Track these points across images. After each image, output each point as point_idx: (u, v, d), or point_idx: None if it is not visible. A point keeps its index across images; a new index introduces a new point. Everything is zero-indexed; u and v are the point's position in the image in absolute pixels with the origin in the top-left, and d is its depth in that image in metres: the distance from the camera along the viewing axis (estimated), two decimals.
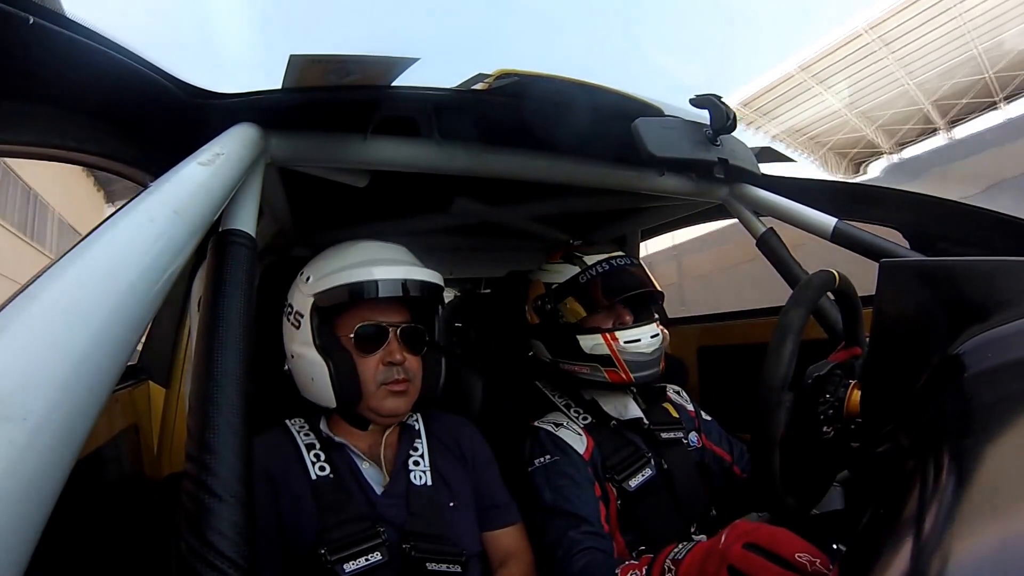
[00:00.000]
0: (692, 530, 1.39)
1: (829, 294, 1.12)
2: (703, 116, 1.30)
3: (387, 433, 1.25)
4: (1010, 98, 16.37)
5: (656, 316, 1.49)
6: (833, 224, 1.44)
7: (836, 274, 1.05)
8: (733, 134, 1.33)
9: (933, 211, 1.47)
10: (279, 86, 0.98)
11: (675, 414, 1.54)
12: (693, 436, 1.53)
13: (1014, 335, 0.62)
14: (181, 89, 0.93)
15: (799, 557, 0.85)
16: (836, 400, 0.99)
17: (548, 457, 1.36)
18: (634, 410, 1.48)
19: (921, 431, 0.63)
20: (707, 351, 2.27)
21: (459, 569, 1.12)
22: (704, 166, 1.29)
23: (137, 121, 0.99)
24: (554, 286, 1.50)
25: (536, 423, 1.46)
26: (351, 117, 1.14)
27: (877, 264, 0.79)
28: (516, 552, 1.26)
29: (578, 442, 1.39)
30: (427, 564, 1.09)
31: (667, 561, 1.01)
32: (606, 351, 1.40)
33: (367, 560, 1.06)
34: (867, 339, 1.14)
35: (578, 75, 1.11)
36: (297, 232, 1.74)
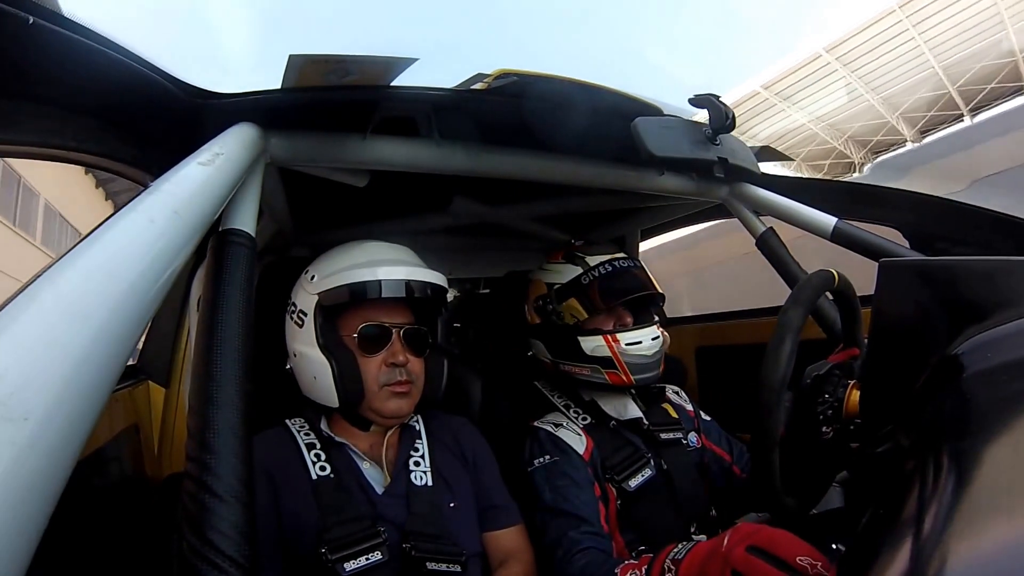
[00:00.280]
0: (692, 530, 1.39)
1: (828, 294, 1.12)
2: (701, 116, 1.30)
3: (388, 434, 1.25)
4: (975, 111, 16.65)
5: (656, 318, 1.49)
6: (833, 224, 1.44)
7: (835, 274, 1.05)
8: (732, 133, 1.33)
9: (933, 211, 1.48)
10: (278, 86, 0.98)
11: (674, 414, 1.54)
12: (692, 436, 1.53)
13: (1013, 335, 0.62)
14: (181, 89, 0.93)
15: (800, 560, 0.86)
16: (835, 400, 0.99)
17: (548, 457, 1.36)
18: (633, 410, 1.48)
19: (920, 431, 0.63)
20: (706, 351, 2.27)
21: (459, 569, 1.12)
22: (704, 165, 1.29)
23: (137, 121, 0.99)
24: (556, 286, 1.49)
25: (536, 423, 1.46)
26: (350, 117, 1.14)
27: (875, 263, 0.80)
28: (516, 552, 1.26)
29: (578, 442, 1.39)
30: (427, 564, 1.09)
31: (667, 561, 1.01)
32: (607, 353, 1.40)
33: (367, 559, 1.06)
34: (866, 340, 1.14)
35: (577, 75, 1.11)
36: (297, 232, 1.74)
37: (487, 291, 2.35)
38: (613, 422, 1.45)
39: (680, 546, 1.03)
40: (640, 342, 1.41)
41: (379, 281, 1.17)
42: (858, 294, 1.13)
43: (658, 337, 1.44)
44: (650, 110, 1.23)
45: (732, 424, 1.66)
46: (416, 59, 0.95)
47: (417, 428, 1.30)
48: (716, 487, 1.53)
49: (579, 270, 1.47)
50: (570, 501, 1.28)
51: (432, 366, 1.29)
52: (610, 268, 1.46)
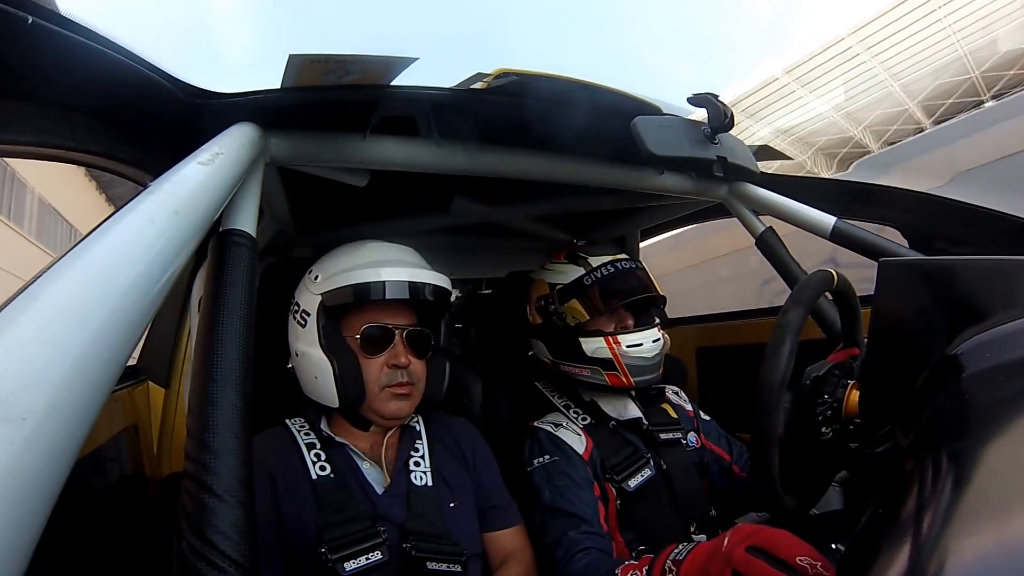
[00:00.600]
0: (692, 530, 1.39)
1: (827, 294, 1.12)
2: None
3: (388, 434, 1.26)
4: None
5: (657, 320, 1.49)
6: (832, 223, 1.44)
7: (835, 274, 1.05)
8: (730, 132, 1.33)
9: (932, 210, 1.48)
10: (278, 86, 0.98)
11: (674, 415, 1.54)
12: (692, 436, 1.53)
13: (1013, 335, 0.62)
14: (180, 89, 0.93)
15: (800, 560, 0.86)
16: (835, 401, 1.00)
17: (547, 457, 1.36)
18: (633, 410, 1.48)
19: (919, 431, 0.63)
20: (706, 351, 2.27)
21: (459, 569, 1.12)
22: (703, 164, 1.29)
23: (136, 121, 0.99)
24: (558, 287, 1.49)
25: (536, 423, 1.46)
26: (350, 117, 1.14)
27: (875, 263, 0.80)
28: (516, 553, 1.26)
29: (577, 442, 1.39)
30: (427, 563, 1.10)
31: (668, 562, 1.01)
32: (608, 355, 1.40)
33: (367, 559, 1.06)
34: (865, 340, 1.14)
35: (576, 74, 1.11)
36: (298, 232, 1.74)
37: (489, 291, 2.35)
38: (613, 422, 1.45)
39: (681, 546, 1.03)
40: (641, 344, 1.41)
41: (383, 282, 1.17)
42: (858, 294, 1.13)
43: (659, 339, 1.44)
44: (649, 109, 1.23)
45: (732, 424, 1.66)
46: (416, 59, 0.95)
47: (417, 428, 1.30)
48: (716, 486, 1.53)
49: (581, 271, 1.47)
50: (570, 501, 1.28)
51: (434, 368, 1.29)
52: (612, 269, 1.46)
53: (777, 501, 0.97)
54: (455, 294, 2.47)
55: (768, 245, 1.61)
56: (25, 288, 0.45)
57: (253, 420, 0.70)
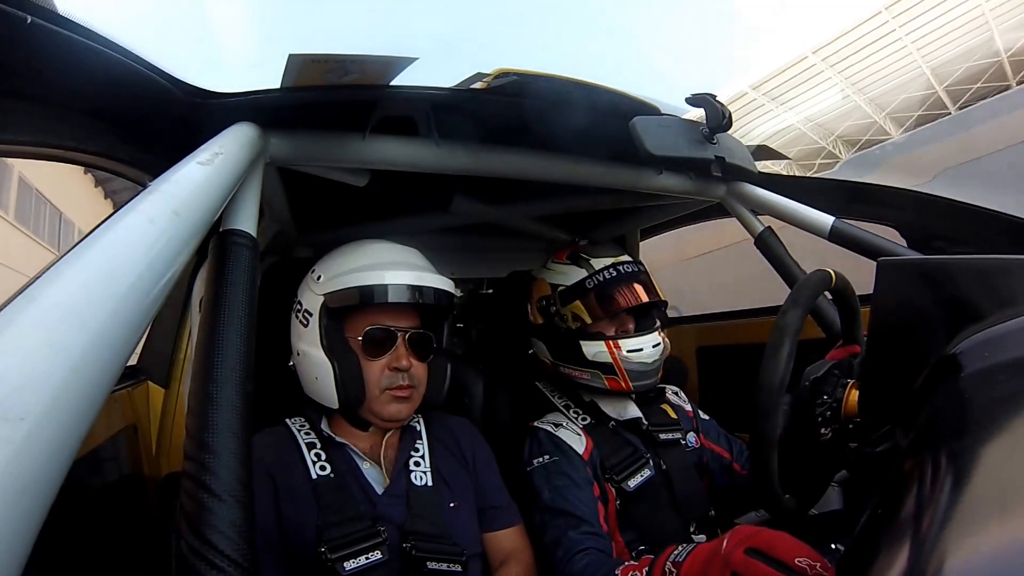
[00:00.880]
0: (691, 530, 1.39)
1: (826, 293, 1.12)
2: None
3: (388, 434, 1.25)
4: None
5: (658, 324, 1.49)
6: (831, 223, 1.44)
7: (833, 273, 1.05)
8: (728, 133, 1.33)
9: (931, 210, 1.48)
10: (278, 85, 0.98)
11: (673, 415, 1.54)
12: (691, 436, 1.53)
13: (1011, 334, 0.62)
14: (180, 89, 0.93)
15: (799, 562, 0.86)
16: (834, 401, 0.99)
17: (547, 457, 1.36)
18: (633, 411, 1.48)
19: (919, 430, 0.63)
20: (706, 351, 2.27)
21: (459, 568, 1.12)
22: (702, 164, 1.29)
23: (136, 121, 0.99)
24: (560, 288, 1.48)
25: (536, 423, 1.46)
26: (350, 116, 1.14)
27: (873, 263, 0.80)
28: (515, 553, 1.26)
29: (577, 442, 1.39)
30: (427, 563, 1.10)
31: (667, 563, 1.01)
32: (608, 359, 1.40)
33: (367, 559, 1.06)
34: (865, 337, 1.14)
35: (575, 74, 1.11)
36: (298, 232, 1.74)
37: (490, 291, 2.35)
38: (612, 422, 1.45)
39: (680, 548, 1.03)
40: (641, 349, 1.40)
41: (386, 286, 1.17)
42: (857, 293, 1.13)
43: (659, 344, 1.44)
44: (648, 109, 1.23)
45: (733, 424, 1.66)
46: (416, 58, 0.95)
47: (417, 428, 1.30)
48: (717, 485, 1.53)
49: (584, 273, 1.46)
50: (569, 501, 1.28)
51: (435, 370, 1.29)
52: (614, 273, 1.44)
53: (776, 502, 0.97)
54: (456, 294, 2.47)
55: (767, 245, 1.61)
56: (25, 288, 0.45)
57: (253, 420, 0.70)
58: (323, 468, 1.16)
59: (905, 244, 1.51)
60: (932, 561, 0.40)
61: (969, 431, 0.54)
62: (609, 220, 2.15)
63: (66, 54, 0.74)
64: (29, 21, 0.66)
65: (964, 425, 0.55)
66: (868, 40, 14.54)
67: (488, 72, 1.10)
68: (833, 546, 1.11)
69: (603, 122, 1.21)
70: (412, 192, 1.51)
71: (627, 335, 1.42)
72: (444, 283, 1.23)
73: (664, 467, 1.41)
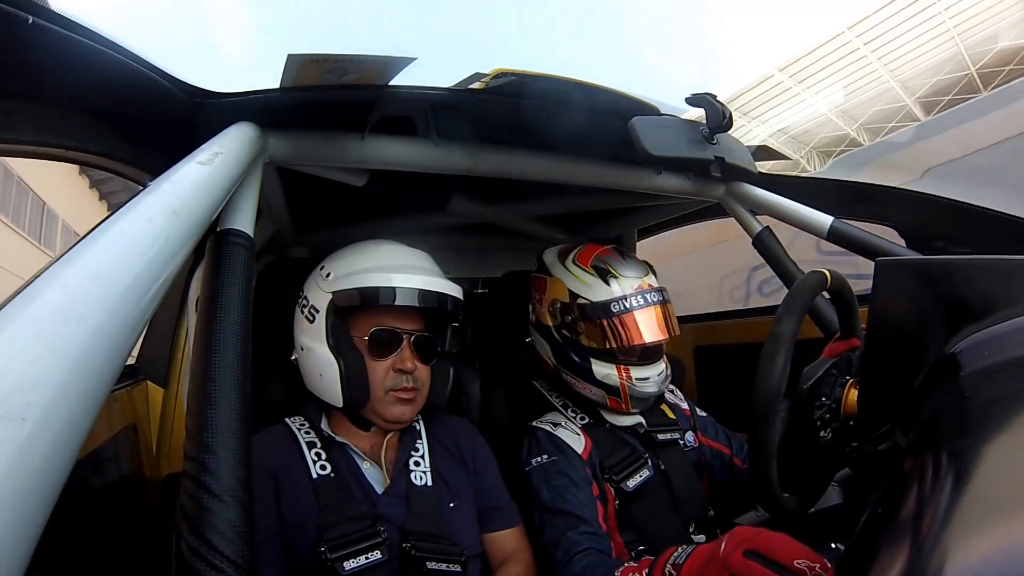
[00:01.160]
0: (691, 530, 1.39)
1: (824, 293, 1.12)
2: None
3: (389, 435, 1.26)
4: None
5: (664, 351, 1.48)
6: (830, 223, 1.45)
7: (827, 274, 1.05)
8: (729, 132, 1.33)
9: (930, 209, 1.48)
10: (277, 85, 0.98)
11: (671, 415, 1.54)
12: (689, 436, 1.53)
13: (1011, 333, 0.62)
14: (179, 89, 0.93)
15: (798, 564, 0.86)
16: (833, 401, 0.99)
17: (546, 456, 1.36)
18: (632, 417, 1.47)
19: (918, 430, 0.63)
20: (704, 351, 2.27)
21: (459, 569, 1.12)
22: (701, 165, 1.29)
23: (136, 120, 0.99)
24: (580, 300, 1.41)
25: (534, 423, 1.46)
26: (349, 116, 1.14)
27: (872, 262, 0.80)
28: (516, 553, 1.26)
29: (576, 442, 1.39)
30: (427, 563, 1.10)
31: (668, 565, 1.01)
32: (616, 383, 1.39)
33: (367, 559, 1.06)
34: (864, 331, 1.14)
35: (575, 74, 1.12)
36: (295, 231, 1.74)
37: (485, 291, 2.35)
38: (609, 424, 1.45)
39: (680, 549, 1.03)
40: (648, 378, 1.40)
41: (395, 288, 1.17)
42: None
43: (662, 372, 1.43)
44: (647, 109, 1.23)
45: (731, 423, 1.66)
46: (414, 58, 0.95)
47: (417, 428, 1.31)
48: (718, 481, 1.53)
49: (611, 294, 1.38)
50: (568, 501, 1.28)
51: (438, 374, 1.30)
52: (642, 301, 1.38)
53: (776, 502, 0.97)
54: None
55: (765, 245, 1.62)
56: (24, 288, 0.45)
57: (251, 420, 0.70)
58: (323, 467, 1.16)
59: (904, 244, 1.51)
60: (932, 561, 0.40)
61: (969, 430, 0.54)
62: (606, 220, 2.15)
63: (67, 54, 0.74)
64: (31, 21, 0.66)
65: (964, 424, 0.55)
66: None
67: (486, 72, 1.10)
68: (833, 545, 1.11)
69: (602, 122, 1.21)
70: (410, 192, 1.51)
71: (636, 363, 1.41)
72: (452, 288, 1.23)
73: (663, 467, 1.41)
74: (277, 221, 1.58)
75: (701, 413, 1.64)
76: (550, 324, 1.49)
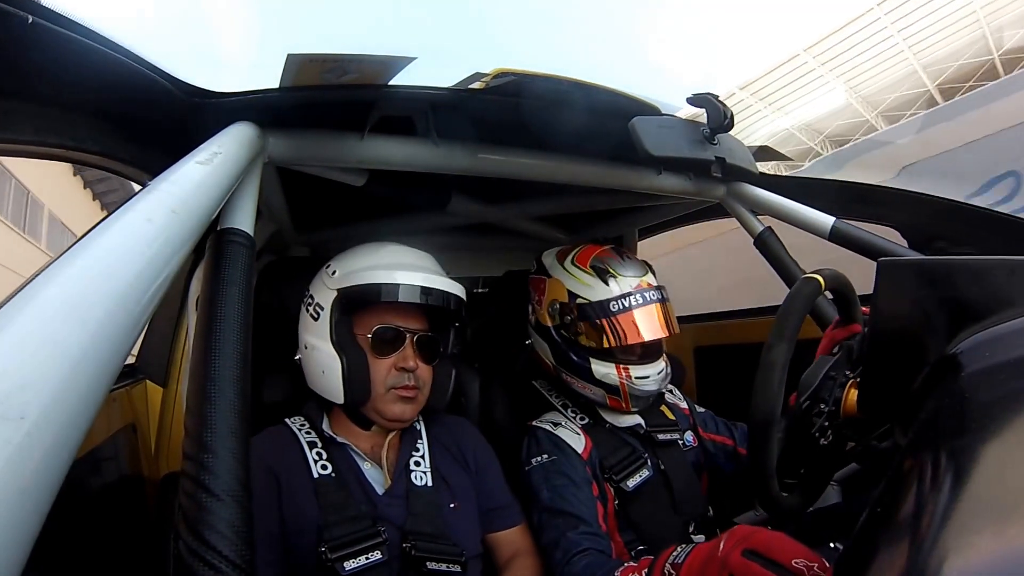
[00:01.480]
0: (690, 530, 1.39)
1: (827, 293, 1.11)
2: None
3: (389, 435, 1.26)
4: None
5: (664, 350, 1.48)
6: (831, 223, 1.44)
7: (820, 280, 1.04)
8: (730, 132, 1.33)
9: (932, 210, 1.48)
10: (277, 85, 0.98)
11: (671, 416, 1.54)
12: (688, 436, 1.53)
13: (1012, 334, 0.62)
14: (179, 88, 0.93)
15: (796, 563, 0.86)
16: (832, 404, 0.99)
17: (546, 456, 1.36)
18: (630, 418, 1.47)
19: (919, 430, 0.63)
20: (704, 351, 2.27)
21: (459, 569, 1.12)
22: (701, 165, 1.29)
23: (135, 120, 0.99)
24: (580, 300, 1.41)
25: (534, 423, 1.46)
26: (348, 116, 1.14)
27: (875, 263, 0.79)
28: (520, 552, 1.27)
29: (576, 441, 1.39)
30: (427, 563, 1.10)
31: (667, 565, 1.01)
32: (616, 382, 1.39)
33: (367, 559, 1.06)
34: (865, 316, 1.13)
35: (576, 74, 1.11)
36: (295, 231, 1.74)
37: (485, 290, 2.35)
38: (609, 424, 1.45)
39: (679, 549, 1.03)
40: (647, 376, 1.40)
41: (397, 285, 1.18)
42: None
43: (662, 370, 1.43)
44: (648, 109, 1.23)
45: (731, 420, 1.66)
46: (414, 58, 0.95)
47: (418, 428, 1.31)
48: (725, 472, 1.54)
49: (610, 293, 1.39)
50: (568, 501, 1.28)
51: (440, 374, 1.30)
52: (641, 300, 1.38)
53: (776, 502, 0.97)
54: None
55: (766, 245, 1.61)
56: (23, 287, 0.44)
57: (251, 419, 0.70)
58: (324, 467, 1.16)
59: (906, 244, 1.51)
60: (931, 561, 0.40)
61: (969, 430, 0.53)
62: (607, 220, 2.15)
63: (67, 54, 0.74)
64: (31, 21, 0.66)
65: (964, 424, 0.55)
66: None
67: (487, 72, 1.10)
68: (832, 545, 1.11)
69: (602, 122, 1.21)
70: (410, 192, 1.50)
71: (636, 362, 1.41)
72: (455, 287, 1.23)
73: (662, 467, 1.41)
74: (277, 221, 1.59)
75: (700, 409, 1.64)
76: (549, 325, 1.49)
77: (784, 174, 1.72)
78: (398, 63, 0.96)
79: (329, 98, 1.06)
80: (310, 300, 1.26)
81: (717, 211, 1.84)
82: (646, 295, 1.39)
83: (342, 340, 1.19)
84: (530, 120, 1.19)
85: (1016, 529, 0.39)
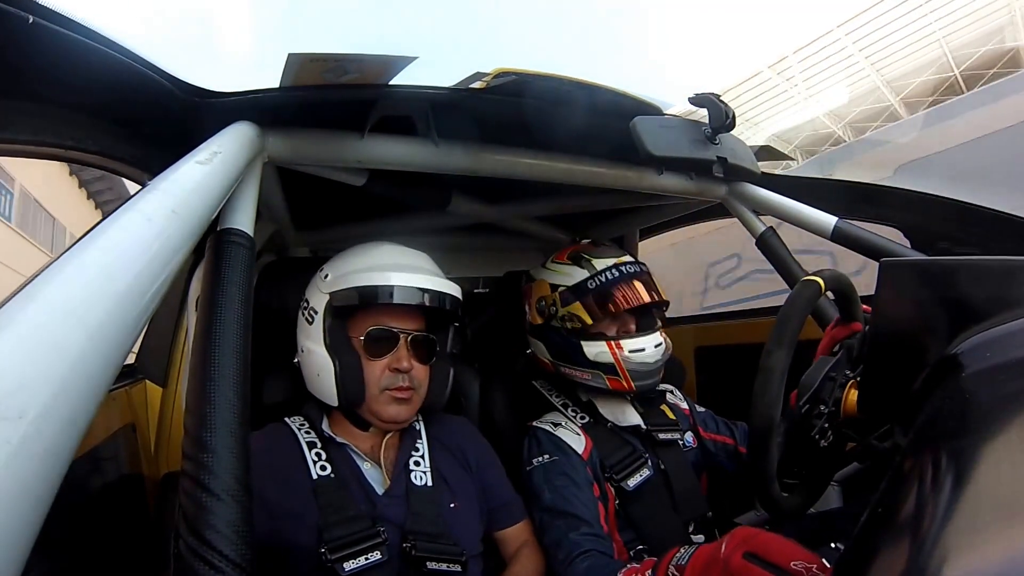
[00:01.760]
0: (690, 530, 1.39)
1: (828, 293, 1.11)
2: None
3: (388, 435, 1.26)
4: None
5: (660, 324, 1.48)
6: (833, 223, 1.44)
7: (820, 282, 1.04)
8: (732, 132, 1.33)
9: (934, 210, 1.47)
10: (277, 85, 0.98)
11: (671, 416, 1.54)
12: (688, 436, 1.53)
13: (1013, 334, 0.62)
14: (179, 88, 0.93)
15: (794, 565, 0.86)
16: (832, 405, 0.99)
17: (547, 456, 1.36)
18: (632, 416, 1.48)
19: (919, 430, 0.63)
20: (704, 351, 2.27)
21: (459, 568, 1.12)
22: (703, 165, 1.29)
23: (135, 120, 0.98)
24: (560, 288, 1.47)
25: (534, 423, 1.46)
26: (349, 116, 1.14)
27: (877, 263, 0.79)
28: (526, 545, 1.29)
29: (576, 441, 1.39)
30: (427, 563, 1.10)
31: (671, 567, 1.01)
32: (610, 359, 1.39)
33: (367, 559, 1.06)
34: (866, 315, 1.13)
35: (577, 73, 1.11)
36: (295, 231, 1.74)
37: (486, 290, 2.35)
38: (610, 424, 1.45)
39: (683, 551, 1.03)
40: (643, 349, 1.40)
41: (391, 287, 1.18)
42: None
43: (661, 344, 1.43)
44: (649, 109, 1.23)
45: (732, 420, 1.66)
46: (415, 57, 0.95)
47: (417, 428, 1.31)
48: (727, 472, 1.54)
49: (585, 273, 1.45)
50: (570, 502, 1.28)
51: (437, 374, 1.29)
52: (616, 273, 1.43)
53: (776, 503, 0.97)
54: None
55: (768, 245, 1.61)
56: (23, 287, 0.44)
57: (250, 419, 0.70)
58: (324, 468, 1.16)
59: (908, 245, 1.51)
60: (932, 562, 0.40)
61: (970, 431, 0.53)
62: (608, 220, 2.15)
63: (67, 53, 0.74)
64: (31, 21, 0.66)
65: (964, 425, 0.55)
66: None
67: (488, 72, 1.10)
68: (833, 545, 1.11)
69: (603, 122, 1.21)
70: (410, 192, 1.50)
71: (629, 335, 1.42)
72: (450, 287, 1.23)
73: (663, 467, 1.41)
74: (277, 220, 1.58)
75: (700, 409, 1.64)
76: (540, 322, 1.52)
77: (786, 174, 1.71)
78: (399, 63, 0.96)
79: (329, 98, 1.06)
80: (305, 304, 1.26)
81: (718, 211, 1.84)
82: (622, 268, 1.44)
83: (336, 343, 1.20)
84: (531, 120, 1.19)
85: (1017, 530, 0.39)
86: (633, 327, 1.45)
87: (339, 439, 1.21)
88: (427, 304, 1.20)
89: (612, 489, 1.36)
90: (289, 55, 0.91)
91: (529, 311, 1.58)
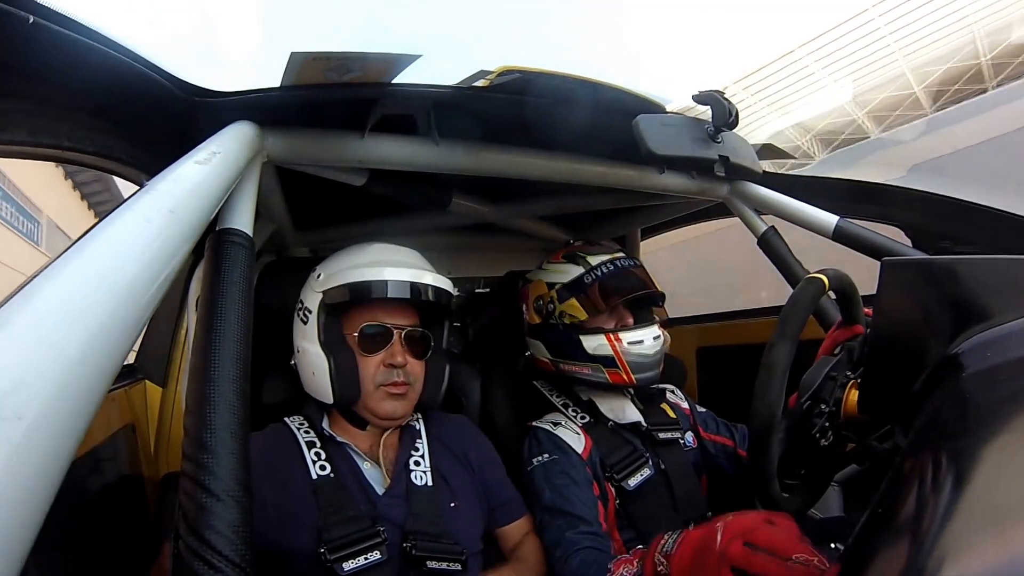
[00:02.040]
0: (690, 530, 1.38)
1: (830, 293, 1.11)
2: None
3: (387, 434, 1.26)
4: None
5: (657, 318, 1.49)
6: (835, 222, 1.44)
7: (824, 279, 1.03)
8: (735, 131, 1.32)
9: (936, 209, 1.47)
10: (278, 84, 0.97)
11: (672, 415, 1.54)
12: (689, 436, 1.53)
13: (1014, 334, 0.62)
14: (178, 87, 0.93)
15: (796, 557, 0.85)
16: (833, 405, 0.99)
17: (547, 456, 1.36)
18: (632, 414, 1.47)
19: (919, 430, 0.62)
20: (706, 351, 2.26)
21: (459, 567, 1.12)
22: (705, 164, 1.28)
23: (134, 119, 0.98)
24: (556, 286, 1.49)
25: (535, 423, 1.46)
26: (349, 115, 1.13)
27: (879, 262, 0.79)
28: (527, 536, 1.30)
29: (576, 441, 1.39)
30: (427, 562, 1.10)
31: (657, 555, 1.00)
32: (609, 352, 1.40)
33: (366, 559, 1.06)
34: (868, 318, 1.13)
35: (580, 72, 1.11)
36: (295, 231, 1.74)
37: (487, 290, 2.35)
38: (611, 423, 1.45)
39: (667, 537, 1.01)
40: (642, 341, 1.40)
41: (384, 282, 1.18)
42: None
43: (659, 336, 1.44)
44: (653, 107, 1.23)
45: (733, 421, 1.66)
46: (419, 56, 0.94)
47: (417, 427, 1.31)
48: (726, 474, 1.54)
49: (581, 269, 1.47)
50: (570, 501, 1.28)
51: (432, 369, 1.30)
52: (612, 268, 1.46)
53: (776, 504, 0.97)
54: (455, 294, 2.46)
55: (770, 245, 1.61)
56: (22, 287, 0.44)
57: (250, 419, 0.70)
58: (323, 468, 1.16)
59: (910, 244, 1.50)
60: (932, 562, 0.40)
61: (970, 431, 0.53)
62: (609, 219, 2.15)
63: (67, 53, 0.73)
64: (31, 21, 0.66)
65: (965, 425, 0.55)
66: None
67: (492, 70, 1.09)
68: (833, 545, 1.11)
69: (607, 120, 1.21)
70: (411, 191, 1.50)
71: (627, 328, 1.43)
72: (441, 281, 1.24)
73: (663, 466, 1.41)
74: (276, 220, 1.58)
75: (701, 409, 1.64)
76: (538, 321, 1.53)
77: (788, 173, 1.71)
78: (402, 61, 0.96)
79: (329, 97, 1.05)
80: (300, 304, 1.27)
81: (720, 210, 1.84)
82: (617, 263, 1.48)
83: (330, 341, 1.20)
84: (534, 118, 1.19)
85: (1017, 530, 0.38)
86: (631, 320, 1.46)
87: (339, 438, 1.21)
88: (419, 298, 1.21)
89: (612, 488, 1.36)
90: (292, 54, 0.91)
91: (527, 312, 1.59)
